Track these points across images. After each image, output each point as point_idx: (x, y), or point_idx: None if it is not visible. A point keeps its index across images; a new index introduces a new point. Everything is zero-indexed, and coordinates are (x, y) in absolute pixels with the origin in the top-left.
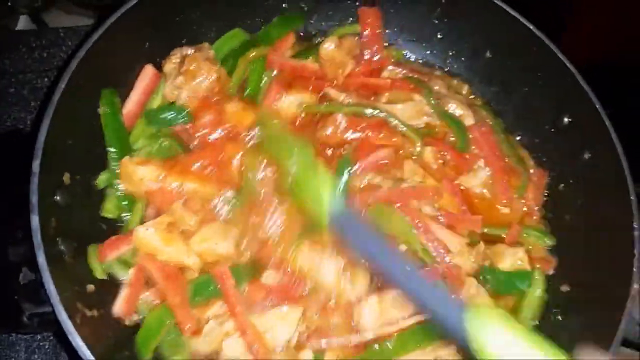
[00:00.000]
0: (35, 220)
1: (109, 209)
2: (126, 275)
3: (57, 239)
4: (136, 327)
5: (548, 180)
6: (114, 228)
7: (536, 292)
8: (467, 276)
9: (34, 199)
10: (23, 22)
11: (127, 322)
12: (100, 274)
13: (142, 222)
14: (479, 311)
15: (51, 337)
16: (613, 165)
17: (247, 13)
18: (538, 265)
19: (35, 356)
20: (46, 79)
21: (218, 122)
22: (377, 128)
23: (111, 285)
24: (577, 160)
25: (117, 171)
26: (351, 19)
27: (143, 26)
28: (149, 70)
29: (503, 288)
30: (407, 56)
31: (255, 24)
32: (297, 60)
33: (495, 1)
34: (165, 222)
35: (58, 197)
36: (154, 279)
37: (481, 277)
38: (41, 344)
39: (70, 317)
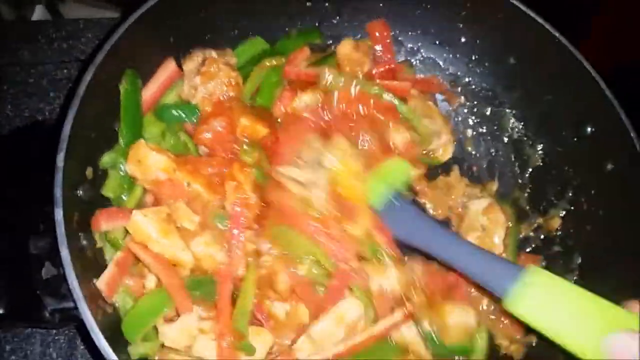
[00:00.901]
0: (59, 214)
1: (109, 188)
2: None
3: (80, 234)
4: None
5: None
6: None
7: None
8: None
9: (58, 192)
10: (39, 13)
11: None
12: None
13: (138, 206)
14: (534, 275)
15: (67, 331)
16: (636, 177)
17: (269, 21)
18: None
19: (50, 350)
20: (65, 70)
21: (228, 130)
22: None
23: None
24: (600, 170)
25: (124, 150)
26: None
27: (167, 22)
28: (170, 65)
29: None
30: (431, 60)
31: (275, 34)
32: (314, 68)
33: (521, 7)
34: (165, 213)
35: (80, 192)
36: (146, 264)
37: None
38: (56, 337)
39: (93, 314)
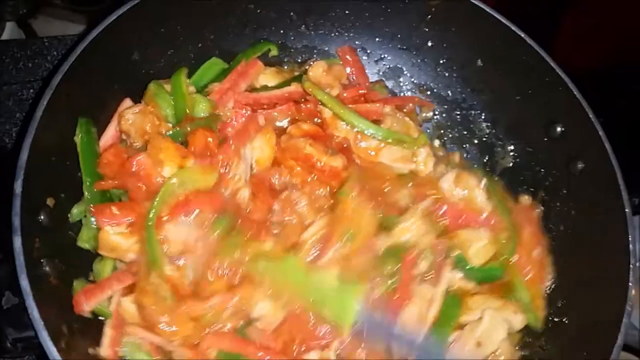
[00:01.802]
0: (17, 242)
1: (84, 240)
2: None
3: (42, 260)
4: None
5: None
6: None
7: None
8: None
9: (16, 220)
10: (9, 30)
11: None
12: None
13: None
14: None
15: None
16: (606, 175)
17: (233, 35)
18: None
19: None
20: (32, 90)
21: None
22: None
23: None
24: (571, 170)
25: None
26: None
27: (129, 36)
28: (127, 104)
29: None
30: (398, 66)
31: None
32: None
33: (486, 9)
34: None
35: (42, 217)
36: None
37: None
38: None
39: (55, 342)
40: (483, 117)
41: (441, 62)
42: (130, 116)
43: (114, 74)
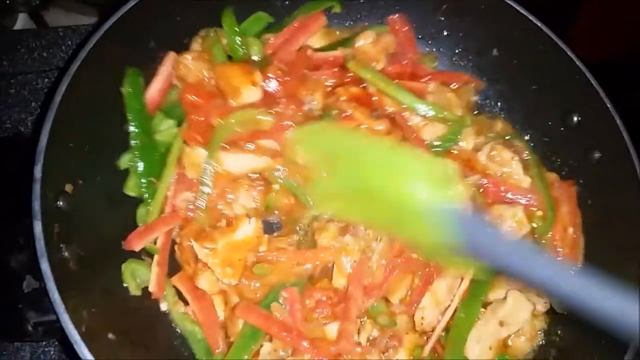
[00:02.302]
0: (38, 227)
1: (130, 187)
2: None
3: (61, 245)
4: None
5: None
6: (119, 231)
7: None
8: None
9: (36, 204)
10: (22, 21)
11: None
12: (134, 290)
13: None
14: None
15: (56, 343)
16: (624, 164)
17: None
18: None
19: None
20: (47, 80)
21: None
22: None
23: (117, 293)
24: (588, 159)
25: (139, 150)
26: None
27: (145, 24)
28: (172, 56)
29: None
30: None
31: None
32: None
33: None
34: None
35: (61, 203)
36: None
37: None
38: (46, 349)
39: (76, 326)
40: (499, 106)
41: (457, 51)
42: (187, 62)
43: (131, 61)
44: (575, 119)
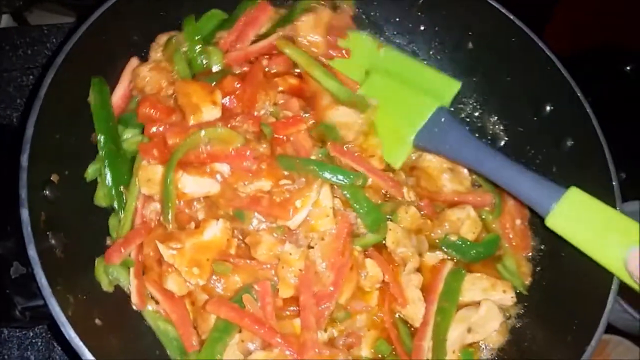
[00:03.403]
0: (25, 214)
1: (100, 197)
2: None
3: (48, 232)
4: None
5: None
6: (104, 220)
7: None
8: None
9: (23, 192)
10: (5, 21)
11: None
12: (106, 286)
13: (133, 221)
14: (573, 195)
15: (43, 334)
16: (595, 152)
17: None
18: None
19: (28, 353)
20: (31, 77)
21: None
22: None
23: None
24: (560, 148)
25: (106, 160)
26: None
27: (128, 18)
28: (134, 63)
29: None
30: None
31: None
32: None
33: None
34: None
35: (47, 192)
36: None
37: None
38: (34, 340)
39: (63, 309)
40: (474, 98)
41: (433, 45)
42: (145, 73)
43: (115, 54)
44: (547, 108)
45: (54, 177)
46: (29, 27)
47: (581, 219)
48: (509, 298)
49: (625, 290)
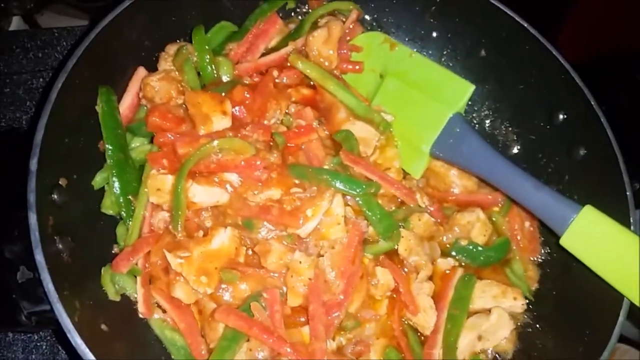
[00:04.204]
0: (33, 218)
1: (107, 206)
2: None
3: (55, 237)
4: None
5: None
6: (112, 226)
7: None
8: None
9: (32, 197)
10: (16, 24)
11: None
12: (113, 295)
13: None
14: (589, 214)
15: (48, 337)
16: (608, 162)
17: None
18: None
19: (33, 356)
20: (41, 80)
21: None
22: None
23: None
24: (573, 156)
25: (114, 168)
26: None
27: (139, 25)
28: (141, 74)
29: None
30: None
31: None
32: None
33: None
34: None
35: (55, 196)
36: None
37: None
38: (38, 344)
39: (69, 315)
40: (487, 106)
41: (445, 52)
42: (155, 83)
43: (126, 60)
44: (560, 117)
45: (62, 182)
46: (40, 29)
47: (595, 240)
48: (519, 305)
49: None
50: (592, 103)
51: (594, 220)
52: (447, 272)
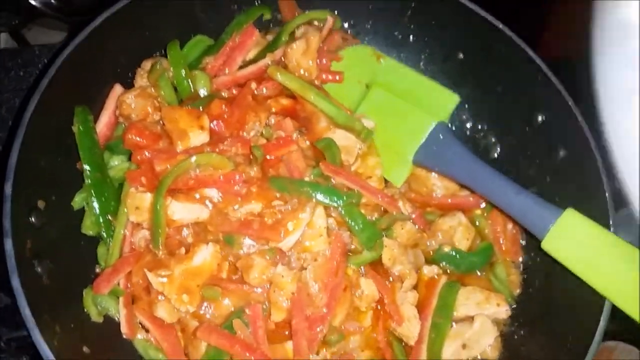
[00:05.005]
0: (8, 244)
1: (88, 226)
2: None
3: (34, 261)
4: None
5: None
6: (93, 246)
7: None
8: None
9: (7, 222)
10: (3, 42)
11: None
12: (95, 317)
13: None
14: (570, 218)
15: None
16: (588, 162)
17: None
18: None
19: None
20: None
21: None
22: None
23: None
24: (553, 158)
25: (92, 189)
26: None
27: (114, 41)
28: (118, 90)
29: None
30: None
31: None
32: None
33: (465, 3)
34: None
35: (33, 219)
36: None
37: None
38: None
39: (47, 341)
40: (466, 109)
41: (423, 56)
42: (131, 100)
43: (102, 77)
44: (540, 118)
45: (40, 204)
46: (21, 48)
47: (576, 243)
48: (503, 311)
49: None
50: (570, 104)
51: (575, 223)
52: (432, 279)
